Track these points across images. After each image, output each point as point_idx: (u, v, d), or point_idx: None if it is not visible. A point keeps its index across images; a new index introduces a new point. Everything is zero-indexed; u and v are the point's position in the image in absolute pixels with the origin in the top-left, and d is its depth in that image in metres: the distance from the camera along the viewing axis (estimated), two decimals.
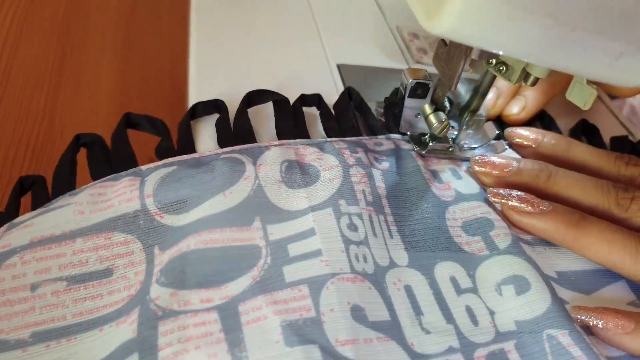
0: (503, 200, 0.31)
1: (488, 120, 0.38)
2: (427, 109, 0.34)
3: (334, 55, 0.43)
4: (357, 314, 0.24)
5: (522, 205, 0.30)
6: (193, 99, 0.36)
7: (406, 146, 0.34)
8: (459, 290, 0.28)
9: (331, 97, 0.37)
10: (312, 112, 0.36)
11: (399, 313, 0.26)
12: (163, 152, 0.31)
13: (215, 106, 0.34)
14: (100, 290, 0.25)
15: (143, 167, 0.29)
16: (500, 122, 0.40)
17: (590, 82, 0.28)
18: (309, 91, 0.37)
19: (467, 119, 0.35)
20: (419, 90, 0.33)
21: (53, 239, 0.26)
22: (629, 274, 0.28)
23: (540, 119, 0.41)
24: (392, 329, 0.25)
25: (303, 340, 0.23)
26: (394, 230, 0.30)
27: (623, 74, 0.21)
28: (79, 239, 0.26)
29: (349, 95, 0.37)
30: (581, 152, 0.34)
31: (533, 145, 0.35)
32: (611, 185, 0.31)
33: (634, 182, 0.32)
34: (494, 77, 0.32)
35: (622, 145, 0.40)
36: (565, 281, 0.29)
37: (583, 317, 0.27)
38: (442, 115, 0.33)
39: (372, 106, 0.38)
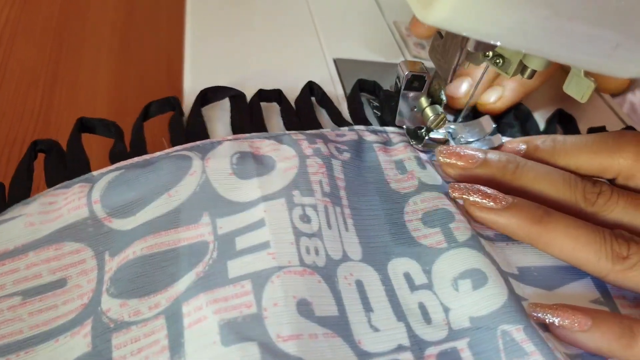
0: (464, 196, 0.29)
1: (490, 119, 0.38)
2: (424, 102, 0.33)
3: (331, 49, 0.43)
4: (304, 308, 0.23)
5: (484, 200, 0.29)
6: (188, 94, 0.36)
7: (369, 137, 0.34)
8: (413, 287, 0.27)
9: (327, 91, 0.37)
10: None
11: (347, 309, 0.25)
12: (115, 155, 0.30)
13: (169, 104, 0.34)
14: (54, 301, 0.25)
15: (95, 173, 0.29)
16: (476, 111, 0.39)
17: (588, 75, 0.28)
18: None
19: (464, 113, 0.34)
20: (415, 82, 0.33)
21: (7, 254, 0.26)
22: (593, 271, 0.28)
23: (516, 111, 0.40)
24: (339, 325, 0.24)
25: (241, 338, 0.22)
26: (350, 223, 0.29)
27: (620, 65, 0.21)
28: (31, 253, 0.26)
29: (311, 90, 0.36)
30: (568, 148, 0.32)
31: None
32: (579, 179, 0.30)
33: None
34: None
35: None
36: (527, 277, 0.29)
37: (539, 315, 0.26)
38: (439, 109, 0.33)
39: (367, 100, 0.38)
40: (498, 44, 0.21)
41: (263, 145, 0.31)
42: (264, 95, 0.35)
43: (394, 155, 0.33)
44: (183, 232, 0.26)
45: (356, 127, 0.34)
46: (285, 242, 0.26)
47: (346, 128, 0.34)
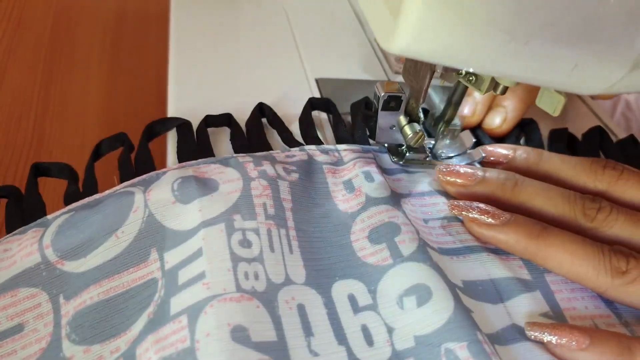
0: (463, 213, 0.30)
1: (465, 129, 0.39)
2: (402, 120, 0.34)
3: (313, 69, 0.43)
4: (239, 334, 0.23)
5: (483, 217, 0.29)
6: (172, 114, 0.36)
7: (320, 157, 0.33)
8: (357, 309, 0.27)
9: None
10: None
11: (287, 334, 0.24)
12: (69, 197, 0.30)
13: (119, 140, 0.34)
14: (13, 347, 0.25)
15: (49, 216, 0.29)
16: (477, 130, 0.40)
17: (558, 90, 0.29)
18: (287, 105, 0.37)
19: (441, 128, 0.35)
20: (392, 103, 0.33)
21: None
22: (593, 286, 0.28)
23: (522, 127, 0.41)
24: (277, 351, 0.24)
25: None
26: (295, 245, 0.28)
27: (580, 84, 0.22)
28: None
29: (262, 111, 0.37)
30: (554, 163, 0.33)
31: (504, 162, 0.34)
32: (578, 195, 0.30)
33: (610, 189, 0.31)
34: (466, 87, 0.32)
35: (561, 137, 0.40)
36: (472, 291, 0.28)
37: (537, 334, 0.26)
38: (417, 127, 0.34)
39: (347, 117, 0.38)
40: (461, 68, 0.21)
41: (208, 169, 0.31)
42: (212, 120, 0.35)
43: (343, 176, 0.33)
44: (135, 273, 0.27)
45: (307, 147, 0.34)
46: (221, 270, 0.25)
47: (297, 148, 0.34)
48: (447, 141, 0.37)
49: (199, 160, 0.31)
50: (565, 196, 0.30)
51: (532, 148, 0.34)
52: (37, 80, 0.66)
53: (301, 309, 0.26)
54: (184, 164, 0.31)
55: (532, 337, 0.26)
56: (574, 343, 0.25)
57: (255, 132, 0.35)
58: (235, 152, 0.33)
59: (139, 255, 0.27)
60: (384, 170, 0.33)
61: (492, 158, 0.35)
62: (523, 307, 0.27)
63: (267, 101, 0.37)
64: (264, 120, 0.37)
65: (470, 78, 0.31)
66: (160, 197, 0.29)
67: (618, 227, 0.29)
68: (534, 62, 0.20)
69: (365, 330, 0.26)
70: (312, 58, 0.45)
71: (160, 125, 0.35)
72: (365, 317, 0.26)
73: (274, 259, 0.27)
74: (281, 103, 0.38)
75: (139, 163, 0.32)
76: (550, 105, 0.29)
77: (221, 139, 0.35)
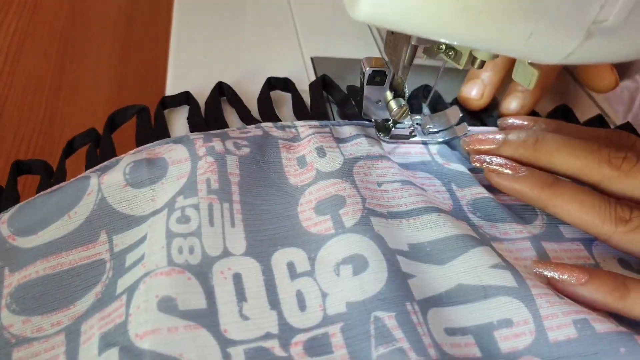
0: (485, 165, 0.33)
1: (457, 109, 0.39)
2: (388, 95, 0.35)
3: (309, 47, 0.45)
4: (165, 304, 0.24)
5: (502, 168, 0.32)
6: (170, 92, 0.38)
7: (276, 133, 0.34)
8: (294, 275, 0.27)
9: (301, 89, 0.39)
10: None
11: (218, 301, 0.25)
12: (41, 189, 0.32)
13: (89, 136, 0.35)
14: None
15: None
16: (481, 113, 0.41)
17: (531, 63, 0.30)
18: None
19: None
20: (377, 77, 0.35)
21: None
22: (598, 233, 0.30)
23: (562, 113, 0.41)
24: (204, 317, 0.24)
25: (108, 345, 0.24)
26: (238, 218, 0.29)
27: (537, 53, 0.23)
28: None
29: (221, 90, 0.38)
30: (571, 130, 0.35)
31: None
32: (602, 145, 0.31)
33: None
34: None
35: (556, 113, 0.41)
36: (418, 254, 0.29)
37: (541, 271, 0.29)
38: (402, 101, 0.35)
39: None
40: (421, 35, 0.23)
41: (161, 150, 0.32)
42: (169, 101, 0.37)
43: (297, 152, 0.34)
44: (83, 252, 0.28)
45: (263, 124, 0.35)
46: (155, 250, 0.27)
47: (253, 125, 0.35)
48: (434, 116, 0.38)
49: (155, 142, 0.32)
50: (588, 146, 0.32)
51: (549, 120, 0.36)
52: (50, 64, 0.69)
53: (237, 277, 0.27)
54: (140, 147, 0.32)
55: (537, 272, 0.29)
56: (574, 278, 0.28)
57: (212, 111, 0.36)
58: (191, 130, 0.35)
59: (89, 236, 0.29)
60: (342, 140, 0.34)
61: (515, 123, 0.37)
62: (473, 261, 0.28)
63: (261, 79, 0.39)
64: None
65: (450, 53, 0.32)
66: (112, 181, 0.30)
67: None
68: (489, 31, 0.22)
69: (299, 296, 0.27)
70: (309, 37, 0.46)
71: (121, 115, 0.36)
72: (302, 283, 0.27)
73: (212, 232, 0.28)
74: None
75: (103, 153, 0.33)
76: (525, 78, 0.31)
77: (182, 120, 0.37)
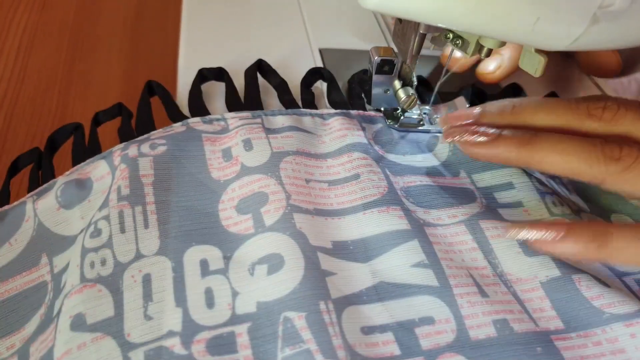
0: (456, 138, 0.30)
1: (464, 100, 0.40)
2: (396, 84, 0.36)
3: (317, 39, 0.45)
4: (76, 322, 0.24)
5: (474, 137, 0.30)
6: (181, 86, 0.39)
7: (200, 127, 0.33)
8: (206, 273, 0.27)
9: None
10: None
11: (125, 307, 0.25)
12: None
13: (32, 156, 0.36)
14: None
15: None
16: (476, 92, 0.42)
17: (538, 51, 0.30)
18: (289, 74, 0.39)
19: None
20: (386, 67, 0.35)
21: None
22: (590, 179, 0.27)
23: (512, 91, 0.42)
24: (111, 325, 0.24)
25: None
26: (152, 219, 0.29)
27: (543, 38, 0.23)
28: None
29: (150, 89, 0.38)
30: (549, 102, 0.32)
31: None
32: (580, 99, 0.30)
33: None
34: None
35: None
36: (341, 251, 0.28)
37: (514, 234, 0.27)
38: (410, 90, 0.35)
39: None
40: (429, 22, 0.23)
41: (89, 168, 0.32)
42: (102, 116, 0.37)
43: (223, 144, 0.33)
44: (27, 276, 0.29)
45: (190, 119, 0.34)
46: (73, 268, 0.27)
47: (179, 123, 0.34)
48: (438, 105, 0.38)
49: (87, 160, 0.33)
50: (564, 103, 0.30)
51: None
52: (61, 59, 0.69)
53: (146, 278, 0.26)
54: (73, 168, 0.33)
55: (510, 236, 0.27)
56: (551, 235, 0.26)
57: (141, 115, 0.36)
58: (121, 140, 0.34)
59: (31, 260, 0.30)
60: (272, 131, 0.33)
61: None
62: (395, 260, 0.28)
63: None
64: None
65: (457, 42, 0.32)
66: (46, 205, 0.31)
67: (628, 124, 0.28)
68: (497, 16, 0.22)
69: (208, 293, 0.26)
70: (317, 28, 0.47)
71: (59, 135, 0.36)
72: (212, 280, 0.26)
73: (124, 239, 0.28)
74: (284, 73, 0.39)
75: (43, 176, 0.34)
76: (532, 66, 0.31)
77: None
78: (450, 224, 0.31)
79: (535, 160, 0.28)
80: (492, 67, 0.40)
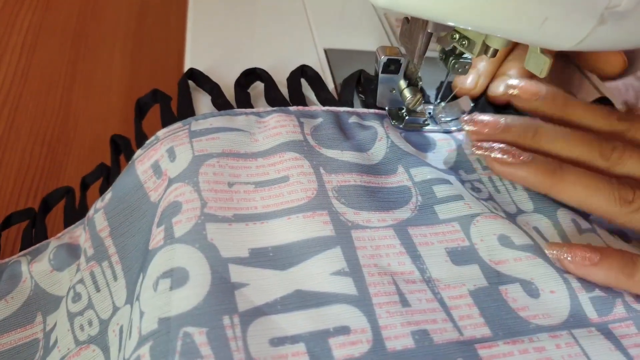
0: (486, 153, 0.32)
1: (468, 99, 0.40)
2: (402, 84, 0.36)
3: (322, 39, 0.46)
4: None
5: (504, 156, 0.32)
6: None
7: (138, 153, 0.32)
8: (132, 302, 0.26)
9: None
10: None
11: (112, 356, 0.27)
12: None
13: (26, 215, 0.38)
14: None
15: None
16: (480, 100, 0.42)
17: (544, 51, 0.31)
18: None
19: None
20: (392, 66, 0.35)
21: None
22: (605, 215, 0.31)
23: None
24: None
25: None
26: (118, 269, 0.29)
27: (551, 38, 0.24)
28: None
29: (116, 149, 0.38)
30: (577, 109, 0.35)
31: (534, 99, 0.36)
32: (594, 138, 0.33)
33: (625, 134, 0.34)
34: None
35: None
36: (259, 259, 0.27)
37: (555, 252, 0.29)
38: (415, 90, 0.36)
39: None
40: (439, 20, 0.23)
41: (78, 232, 0.34)
42: (89, 179, 0.39)
43: (150, 158, 0.31)
44: (21, 332, 0.32)
45: (135, 154, 0.33)
46: (63, 331, 0.29)
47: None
48: (445, 105, 0.39)
49: (76, 223, 0.35)
50: (583, 140, 0.33)
51: (559, 90, 0.36)
52: (64, 58, 0.70)
53: (121, 330, 0.28)
54: (64, 231, 0.35)
55: (551, 255, 0.30)
56: (587, 260, 0.29)
57: (114, 170, 0.37)
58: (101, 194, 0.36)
59: (26, 318, 0.32)
60: (197, 133, 0.31)
61: (522, 94, 0.36)
62: (315, 267, 0.27)
63: (275, 73, 0.39)
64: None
65: (463, 42, 0.33)
66: (40, 268, 0.34)
67: (631, 165, 0.32)
68: (505, 15, 0.22)
69: (131, 323, 0.25)
70: (322, 29, 0.47)
71: (52, 198, 0.39)
72: (134, 309, 0.26)
73: (101, 298, 0.30)
74: (288, 73, 0.39)
75: (36, 236, 0.37)
76: (537, 67, 0.31)
77: None
78: (379, 227, 0.30)
79: (557, 189, 0.31)
80: (468, 82, 0.40)
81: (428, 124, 0.38)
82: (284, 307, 0.25)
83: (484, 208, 0.31)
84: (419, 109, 0.37)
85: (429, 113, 0.39)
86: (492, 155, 0.32)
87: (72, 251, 0.34)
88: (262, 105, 0.36)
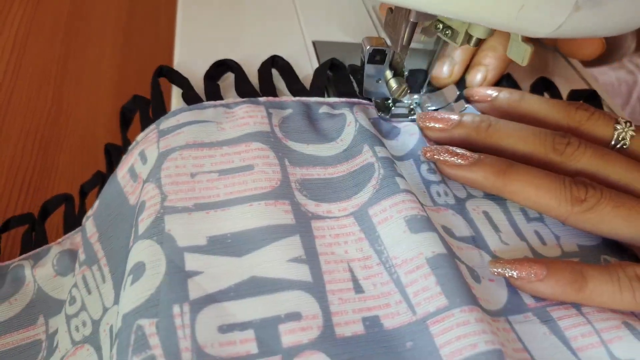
0: (435, 156, 0.32)
1: (454, 88, 0.41)
2: (388, 74, 0.37)
3: (310, 31, 0.46)
4: None
5: (453, 158, 0.32)
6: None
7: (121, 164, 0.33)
8: (118, 302, 0.26)
9: (305, 73, 0.40)
10: None
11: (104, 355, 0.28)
12: None
13: (25, 220, 0.40)
14: None
15: None
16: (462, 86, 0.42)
17: (525, 39, 0.31)
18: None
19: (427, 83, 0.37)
20: (377, 56, 0.36)
21: None
22: (556, 215, 0.30)
23: (505, 82, 0.43)
24: None
25: None
26: (106, 272, 0.30)
27: (527, 25, 0.24)
28: None
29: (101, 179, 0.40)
30: (533, 103, 0.35)
31: (489, 100, 0.37)
32: (549, 132, 0.32)
33: (581, 126, 0.34)
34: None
35: (580, 99, 0.42)
36: (217, 245, 0.27)
37: (499, 270, 0.28)
38: (401, 80, 0.36)
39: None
40: (419, 9, 0.24)
41: (78, 238, 0.36)
42: (86, 187, 0.40)
43: (127, 163, 0.32)
44: (24, 333, 0.33)
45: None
46: (62, 333, 0.31)
47: None
48: (431, 94, 0.39)
49: (76, 229, 0.37)
50: (536, 133, 0.32)
51: (514, 89, 0.37)
52: (55, 55, 0.70)
53: (111, 330, 0.29)
54: (65, 236, 0.37)
55: (495, 273, 0.29)
56: (532, 275, 0.28)
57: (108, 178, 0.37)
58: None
59: (29, 320, 0.34)
60: (165, 132, 0.32)
61: (476, 97, 0.37)
62: (272, 254, 0.27)
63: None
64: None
65: (447, 32, 0.33)
66: (44, 273, 0.35)
67: (585, 161, 0.31)
68: (483, 4, 0.23)
69: (111, 328, 0.28)
70: (311, 22, 0.47)
71: (51, 204, 0.40)
72: (112, 311, 0.29)
73: (92, 300, 0.31)
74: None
75: (37, 240, 0.38)
76: (519, 55, 0.32)
77: None
78: (340, 217, 0.30)
79: (508, 190, 0.30)
80: (479, 79, 0.40)
81: (414, 114, 0.38)
82: (237, 294, 0.25)
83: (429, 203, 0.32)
84: (405, 99, 0.37)
85: (416, 102, 0.39)
86: (441, 158, 0.32)
87: (74, 257, 0.35)
88: (232, 97, 0.36)
